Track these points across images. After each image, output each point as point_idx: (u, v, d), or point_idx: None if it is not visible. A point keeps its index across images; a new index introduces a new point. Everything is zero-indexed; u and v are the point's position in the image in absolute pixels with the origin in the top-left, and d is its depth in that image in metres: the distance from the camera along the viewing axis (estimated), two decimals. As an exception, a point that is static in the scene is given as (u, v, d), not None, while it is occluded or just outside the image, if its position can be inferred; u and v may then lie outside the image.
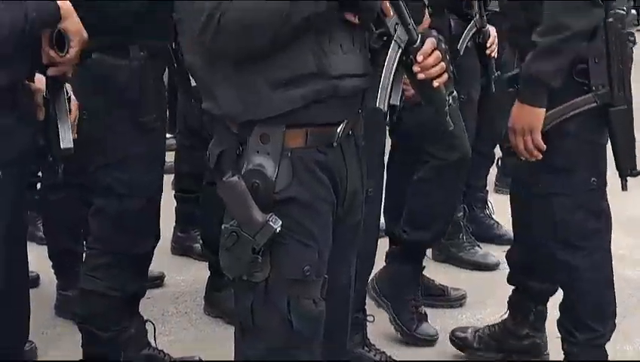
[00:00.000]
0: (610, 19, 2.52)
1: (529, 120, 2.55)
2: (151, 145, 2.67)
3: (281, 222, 1.80)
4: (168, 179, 3.84)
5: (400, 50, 1.96)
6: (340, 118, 1.92)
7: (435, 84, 2.00)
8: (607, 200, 2.70)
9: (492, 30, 3.47)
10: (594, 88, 2.54)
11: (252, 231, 1.79)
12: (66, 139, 2.22)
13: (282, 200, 1.83)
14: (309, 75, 1.84)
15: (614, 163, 2.64)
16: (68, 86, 2.30)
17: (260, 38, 1.79)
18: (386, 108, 1.95)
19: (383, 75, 1.94)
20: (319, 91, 1.85)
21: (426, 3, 2.99)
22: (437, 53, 2.00)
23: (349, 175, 1.97)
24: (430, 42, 1.99)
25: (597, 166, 2.64)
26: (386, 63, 1.95)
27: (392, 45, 1.95)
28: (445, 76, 2.02)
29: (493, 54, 3.51)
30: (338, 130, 1.92)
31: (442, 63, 2.01)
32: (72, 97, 2.32)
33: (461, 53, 3.33)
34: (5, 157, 2.14)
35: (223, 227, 1.85)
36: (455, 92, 2.08)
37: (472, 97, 3.56)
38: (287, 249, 1.84)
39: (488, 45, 3.46)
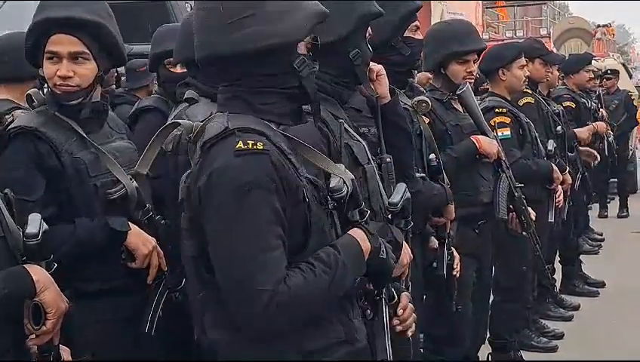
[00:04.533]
0: None
1: None
2: None
3: None
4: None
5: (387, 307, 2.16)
6: None
7: (409, 333, 2.23)
8: None
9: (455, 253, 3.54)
10: None
11: None
12: None
13: None
14: (338, 343, 1.96)
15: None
16: (65, 350, 2.24)
17: (307, 315, 1.90)
18: None
19: (385, 336, 2.11)
20: (345, 356, 1.97)
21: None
22: (410, 305, 2.24)
23: None
24: (405, 296, 2.24)
25: None
26: (383, 325, 2.13)
27: (383, 304, 2.15)
28: (414, 327, 2.25)
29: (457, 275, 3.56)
30: None
31: (414, 315, 2.25)
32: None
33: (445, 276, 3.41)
34: None
35: None
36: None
37: (467, 309, 3.83)
38: None
39: (455, 266, 3.50)
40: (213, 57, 2.00)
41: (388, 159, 2.75)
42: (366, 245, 2.00)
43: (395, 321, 2.20)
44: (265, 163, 1.86)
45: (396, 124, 2.85)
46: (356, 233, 2.01)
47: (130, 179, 2.79)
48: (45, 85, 2.78)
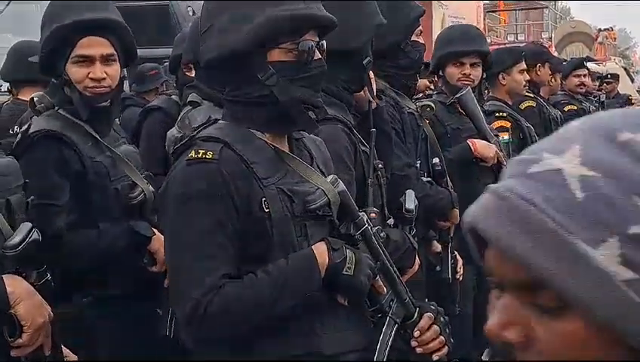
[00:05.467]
0: None
1: None
2: None
3: None
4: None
5: (396, 327, 2.02)
6: None
7: (435, 358, 2.06)
8: None
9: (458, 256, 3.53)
10: None
11: None
12: None
13: None
14: (300, 355, 1.89)
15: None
16: (71, 357, 2.24)
17: (246, 326, 1.85)
18: None
19: (377, 352, 2.00)
20: None
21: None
22: (435, 327, 2.06)
23: None
24: (427, 317, 2.06)
25: None
26: (380, 341, 2.01)
27: (387, 322, 2.02)
28: (445, 350, 2.06)
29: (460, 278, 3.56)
30: None
31: (441, 337, 2.06)
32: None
33: (450, 279, 3.41)
34: None
35: None
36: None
37: (468, 311, 3.78)
38: None
39: (458, 269, 3.51)
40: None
41: (380, 165, 2.72)
42: (323, 259, 1.89)
43: (413, 342, 2.06)
44: (211, 172, 1.85)
45: (381, 128, 2.83)
46: (316, 246, 1.92)
47: (147, 183, 2.78)
48: (69, 89, 2.69)
